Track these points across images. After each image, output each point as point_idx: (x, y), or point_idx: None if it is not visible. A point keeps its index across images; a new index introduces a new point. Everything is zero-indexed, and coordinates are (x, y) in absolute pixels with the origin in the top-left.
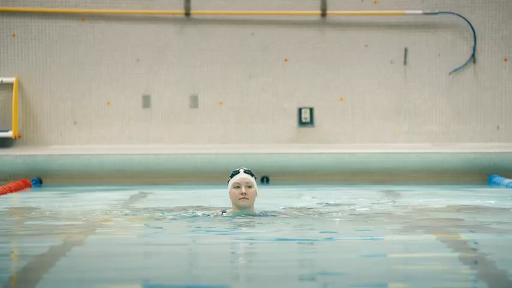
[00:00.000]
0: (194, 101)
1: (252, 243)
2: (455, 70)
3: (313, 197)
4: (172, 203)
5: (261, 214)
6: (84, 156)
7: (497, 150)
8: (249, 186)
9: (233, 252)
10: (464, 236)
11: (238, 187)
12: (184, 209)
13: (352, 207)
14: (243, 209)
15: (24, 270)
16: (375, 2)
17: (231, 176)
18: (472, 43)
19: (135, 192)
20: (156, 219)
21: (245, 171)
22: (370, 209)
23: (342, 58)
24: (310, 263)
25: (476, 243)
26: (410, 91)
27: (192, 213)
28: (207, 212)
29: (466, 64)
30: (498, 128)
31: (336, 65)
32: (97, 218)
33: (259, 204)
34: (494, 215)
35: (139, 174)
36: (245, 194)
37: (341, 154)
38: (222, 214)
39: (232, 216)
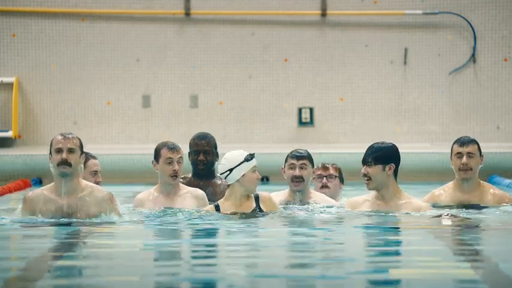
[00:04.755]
0: (194, 101)
1: (245, 244)
2: (455, 70)
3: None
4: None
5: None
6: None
7: (497, 150)
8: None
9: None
10: (463, 236)
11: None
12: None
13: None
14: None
15: (22, 271)
16: (375, 2)
17: (247, 160)
18: (472, 43)
19: (134, 192)
20: (156, 219)
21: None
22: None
23: (342, 58)
24: (309, 262)
25: (476, 243)
26: (410, 91)
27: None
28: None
29: (466, 64)
30: (498, 128)
31: (336, 65)
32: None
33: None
34: (494, 215)
35: (139, 174)
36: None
37: (341, 154)
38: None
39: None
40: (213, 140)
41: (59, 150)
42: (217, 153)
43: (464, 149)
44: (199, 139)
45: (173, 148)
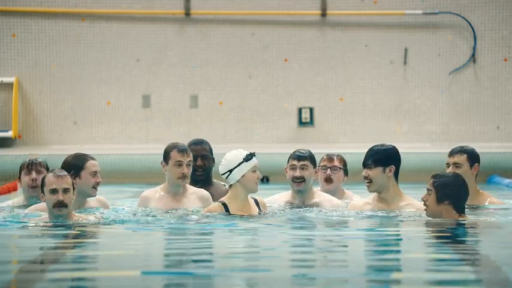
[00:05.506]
0: (194, 101)
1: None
2: (455, 70)
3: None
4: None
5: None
6: None
7: (497, 150)
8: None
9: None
10: (463, 236)
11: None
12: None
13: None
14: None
15: (19, 274)
16: (375, 2)
17: (247, 160)
18: (472, 43)
19: (134, 192)
20: (156, 219)
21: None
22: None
23: (342, 58)
24: (306, 263)
25: (475, 243)
26: (410, 91)
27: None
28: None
29: (466, 64)
30: (498, 128)
31: (336, 65)
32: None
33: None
34: (493, 215)
35: (139, 174)
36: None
37: (341, 154)
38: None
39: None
40: (209, 145)
41: (54, 191)
42: (213, 158)
43: (451, 160)
44: (196, 145)
45: (183, 151)
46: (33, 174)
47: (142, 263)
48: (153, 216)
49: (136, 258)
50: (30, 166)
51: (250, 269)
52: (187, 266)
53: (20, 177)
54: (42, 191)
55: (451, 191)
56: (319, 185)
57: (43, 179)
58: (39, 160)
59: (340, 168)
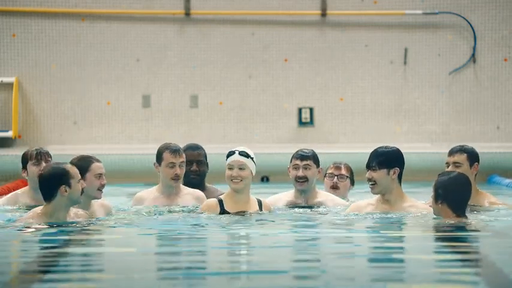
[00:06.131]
0: (194, 101)
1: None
2: (455, 70)
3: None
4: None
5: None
6: None
7: (498, 150)
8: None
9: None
10: (463, 236)
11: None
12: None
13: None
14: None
15: (15, 278)
16: (375, 2)
17: (227, 157)
18: (472, 43)
19: (134, 192)
20: (155, 219)
21: (240, 153)
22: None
23: (342, 58)
24: (307, 263)
25: (476, 242)
26: (410, 91)
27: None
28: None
29: (466, 64)
30: (498, 128)
31: (336, 65)
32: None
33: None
34: (493, 215)
35: (139, 174)
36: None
37: (341, 154)
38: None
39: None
40: (204, 151)
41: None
42: (207, 163)
43: (450, 159)
44: (192, 150)
45: (175, 152)
46: (43, 165)
47: (140, 263)
48: (149, 216)
49: (134, 260)
50: (40, 156)
51: (249, 269)
52: (184, 266)
53: (24, 167)
54: (67, 185)
55: (443, 192)
56: (322, 184)
57: (66, 173)
58: (45, 150)
59: (347, 176)
